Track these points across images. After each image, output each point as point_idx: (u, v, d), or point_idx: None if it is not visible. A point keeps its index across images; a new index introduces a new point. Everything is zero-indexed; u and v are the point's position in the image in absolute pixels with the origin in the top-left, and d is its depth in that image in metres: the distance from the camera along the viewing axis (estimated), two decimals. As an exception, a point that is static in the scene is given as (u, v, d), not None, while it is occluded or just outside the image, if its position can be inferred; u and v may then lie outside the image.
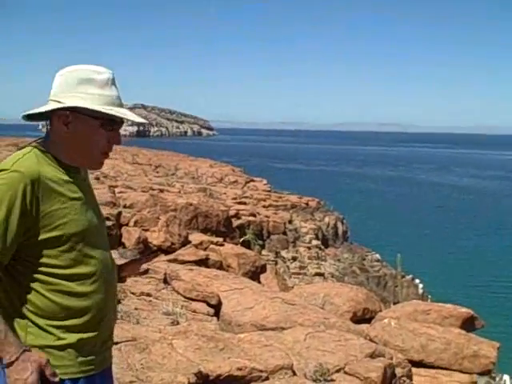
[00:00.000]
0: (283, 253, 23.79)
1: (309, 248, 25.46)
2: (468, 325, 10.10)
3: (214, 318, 7.52)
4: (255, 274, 14.83)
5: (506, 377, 20.09)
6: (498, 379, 19.23)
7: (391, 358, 7.68)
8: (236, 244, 19.58)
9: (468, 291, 47.72)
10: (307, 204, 34.62)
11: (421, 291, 26.62)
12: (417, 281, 27.23)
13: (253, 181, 43.33)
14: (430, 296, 27.76)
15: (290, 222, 27.70)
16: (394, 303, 18.42)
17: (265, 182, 44.05)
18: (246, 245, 21.40)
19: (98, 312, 2.24)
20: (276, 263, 22.13)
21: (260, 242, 23.09)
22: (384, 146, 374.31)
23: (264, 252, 22.99)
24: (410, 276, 27.12)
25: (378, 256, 30.44)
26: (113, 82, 2.29)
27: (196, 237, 15.60)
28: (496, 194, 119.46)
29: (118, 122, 2.30)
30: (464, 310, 10.03)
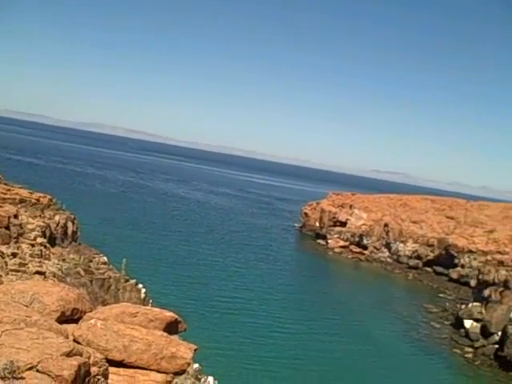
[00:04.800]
0: (3, 248, 22.49)
1: (32, 245, 24.43)
2: (171, 327, 10.73)
3: None
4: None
5: (210, 378, 21.45)
6: (202, 380, 20.46)
7: (89, 357, 7.85)
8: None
9: (184, 295, 50.33)
10: (38, 200, 33.17)
11: (143, 295, 27.19)
12: (140, 285, 27.74)
13: (-20, 169, 40.14)
14: (151, 300, 28.54)
15: (16, 216, 26.30)
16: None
17: (-5, 172, 41.07)
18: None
19: None
20: (-7, 259, 20.85)
21: (-22, 235, 21.54)
22: (130, 152, 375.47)
23: (-19, 246, 21.51)
24: (134, 280, 27.53)
25: (105, 259, 30.35)
26: None
27: None
28: (230, 210, 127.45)
29: None
30: (169, 313, 10.61)
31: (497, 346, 49.40)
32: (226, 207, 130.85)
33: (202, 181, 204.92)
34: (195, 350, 10.43)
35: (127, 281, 27.21)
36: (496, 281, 56.03)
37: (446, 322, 58.09)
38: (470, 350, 50.29)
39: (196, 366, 20.91)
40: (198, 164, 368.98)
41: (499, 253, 69.44)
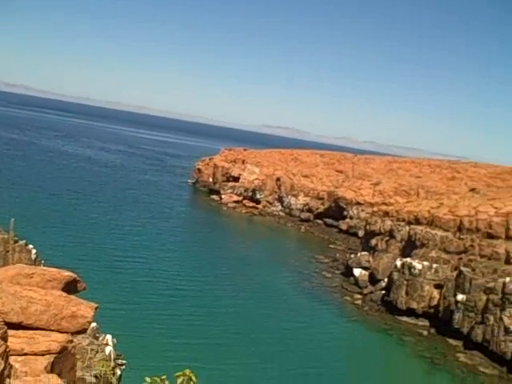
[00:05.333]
0: None
1: None
2: (70, 287, 10.41)
3: None
4: None
5: (108, 336, 21.24)
6: (101, 339, 20.20)
7: (-15, 321, 7.47)
8: None
9: (79, 256, 49.21)
10: None
11: (34, 256, 26.20)
12: (30, 246, 26.67)
13: None
14: (43, 261, 27.60)
15: None
16: (4, 268, 17.80)
17: None
18: None
19: None
20: None
21: None
22: (12, 108, 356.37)
23: None
24: (24, 241, 26.42)
25: (-9, 220, 28.81)
26: None
27: None
28: (122, 167, 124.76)
29: None
30: (67, 273, 10.28)
31: (383, 291, 52.34)
32: (118, 164, 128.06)
33: (92, 137, 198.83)
34: (96, 308, 10.23)
35: (16, 242, 26.07)
36: (382, 231, 58.92)
37: (337, 272, 60.65)
38: (359, 296, 52.98)
39: (94, 324, 20.54)
40: (88, 120, 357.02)
41: (384, 204, 72.81)
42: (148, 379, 5.55)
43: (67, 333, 9.39)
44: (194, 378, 5.48)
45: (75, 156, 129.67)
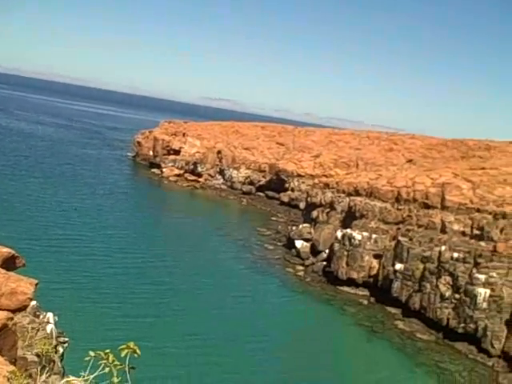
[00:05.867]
0: None
1: None
2: (9, 264, 10.07)
3: None
4: None
5: (49, 314, 20.76)
6: (41, 317, 19.72)
7: None
8: None
9: (16, 233, 47.81)
10: None
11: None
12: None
13: None
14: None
15: None
16: None
17: None
18: None
19: None
20: None
21: None
22: None
23: None
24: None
25: None
26: None
27: None
28: (59, 140, 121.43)
29: None
30: (5, 249, 9.93)
31: (325, 262, 53.25)
32: (54, 138, 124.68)
33: (26, 110, 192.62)
34: (36, 284, 9.95)
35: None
36: (323, 202, 59.68)
37: (279, 244, 61.21)
38: (301, 268, 53.73)
39: (34, 303, 20.02)
40: (20, 91, 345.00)
41: (325, 176, 73.75)
42: (92, 353, 5.42)
43: (7, 310, 9.10)
44: (138, 351, 5.40)
45: (9, 130, 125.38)
